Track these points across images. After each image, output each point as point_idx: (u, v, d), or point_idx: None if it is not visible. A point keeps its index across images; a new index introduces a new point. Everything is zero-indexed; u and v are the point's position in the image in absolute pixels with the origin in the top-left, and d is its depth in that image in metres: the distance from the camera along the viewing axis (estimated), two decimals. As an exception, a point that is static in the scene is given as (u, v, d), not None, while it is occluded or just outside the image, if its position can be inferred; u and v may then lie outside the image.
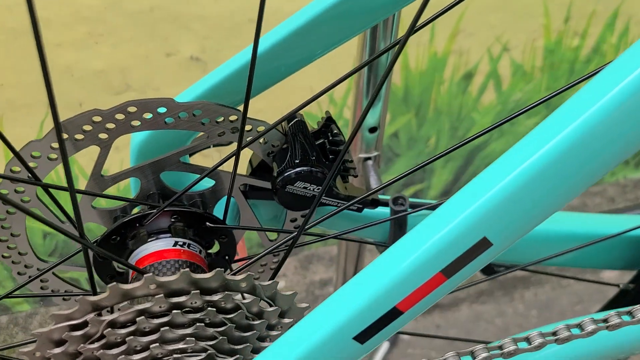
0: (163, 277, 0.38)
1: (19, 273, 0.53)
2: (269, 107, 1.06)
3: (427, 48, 1.14)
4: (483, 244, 0.29)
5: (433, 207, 0.58)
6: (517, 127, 1.36)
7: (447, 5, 0.38)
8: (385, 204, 0.58)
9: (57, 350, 0.39)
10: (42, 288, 0.56)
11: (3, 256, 0.51)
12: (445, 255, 0.29)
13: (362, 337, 0.31)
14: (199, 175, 0.51)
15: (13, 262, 0.52)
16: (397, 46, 0.36)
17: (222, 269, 0.39)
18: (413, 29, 0.35)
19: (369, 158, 0.67)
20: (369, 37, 0.58)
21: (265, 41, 0.48)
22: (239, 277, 0.40)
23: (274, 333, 0.44)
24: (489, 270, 0.65)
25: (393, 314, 0.30)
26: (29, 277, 0.54)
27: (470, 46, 1.18)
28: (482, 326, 1.46)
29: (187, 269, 0.38)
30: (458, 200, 0.30)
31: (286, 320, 0.44)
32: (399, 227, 0.57)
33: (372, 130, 0.65)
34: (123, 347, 0.38)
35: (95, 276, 0.49)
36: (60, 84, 1.00)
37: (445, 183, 1.40)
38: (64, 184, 0.37)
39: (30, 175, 0.41)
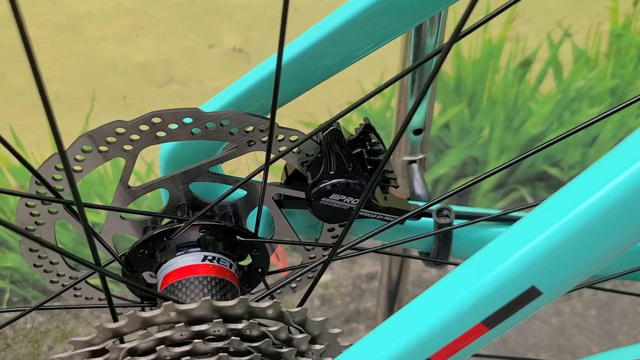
0: (183, 305, 0.36)
1: (51, 281, 0.53)
2: (312, 99, 1.03)
3: (481, 35, 1.08)
4: (531, 293, 0.25)
5: (479, 217, 0.54)
6: (579, 117, 1.28)
7: (498, 8, 0.33)
8: (428, 214, 0.54)
9: (78, 375, 0.38)
10: (75, 295, 0.55)
11: (35, 265, 0.51)
12: (488, 305, 0.26)
13: (393, 388, 0.28)
14: (229, 185, 0.49)
15: (45, 271, 0.51)
16: (442, 51, 0.32)
17: (246, 297, 0.37)
18: (457, 35, 0.31)
19: (414, 161, 0.63)
20: (413, 34, 0.54)
21: (300, 42, 0.44)
22: (265, 304, 0.37)
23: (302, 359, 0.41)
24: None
25: (427, 367, 0.27)
26: (62, 285, 0.53)
27: (527, 32, 1.11)
28: (536, 325, 1.40)
29: (209, 297, 0.36)
30: (506, 242, 0.26)
31: (317, 347, 0.41)
32: (444, 240, 0.53)
33: (417, 132, 0.61)
34: (143, 377, 0.37)
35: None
36: (103, 78, 0.99)
37: (499, 176, 1.34)
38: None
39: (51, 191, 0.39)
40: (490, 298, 0.26)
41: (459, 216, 0.53)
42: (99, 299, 0.56)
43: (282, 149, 0.46)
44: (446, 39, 0.63)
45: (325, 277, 1.41)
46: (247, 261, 0.51)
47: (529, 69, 1.17)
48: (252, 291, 0.54)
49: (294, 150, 0.47)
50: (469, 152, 1.27)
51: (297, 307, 0.41)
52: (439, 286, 0.28)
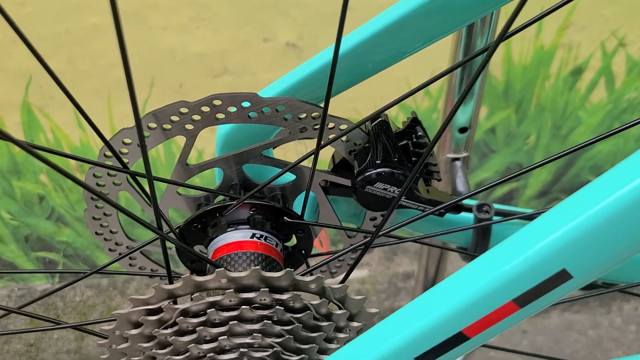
0: (234, 273, 0.39)
1: (110, 249, 0.57)
2: (361, 96, 1.05)
3: (533, 41, 1.08)
4: (562, 276, 0.27)
5: (519, 216, 0.55)
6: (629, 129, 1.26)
7: (549, 8, 0.35)
8: (469, 209, 0.55)
9: (134, 331, 0.41)
10: (130, 265, 0.59)
11: (97, 233, 0.55)
12: (519, 284, 0.27)
13: (424, 357, 0.30)
14: (280, 169, 0.52)
15: (105, 239, 0.55)
16: (489, 49, 0.34)
17: (292, 269, 0.39)
18: (505, 34, 0.33)
19: (457, 159, 0.64)
20: (464, 34, 0.55)
21: (354, 37, 0.47)
22: (308, 279, 0.40)
23: (341, 335, 0.43)
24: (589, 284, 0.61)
25: (459, 339, 0.29)
26: (119, 253, 0.57)
27: (581, 40, 1.10)
28: (572, 337, 1.38)
29: (258, 267, 0.39)
30: (540, 225, 0.28)
31: (354, 324, 0.43)
32: (482, 235, 0.54)
33: (463, 130, 0.62)
34: (194, 336, 0.40)
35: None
36: (162, 66, 1.04)
37: (544, 184, 1.33)
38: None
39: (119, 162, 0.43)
40: (523, 278, 0.27)
41: (498, 213, 0.55)
42: (151, 270, 0.60)
43: (332, 136, 0.49)
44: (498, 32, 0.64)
45: (362, 273, 1.43)
46: (292, 242, 0.54)
47: (580, 78, 1.16)
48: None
49: (343, 138, 0.50)
50: (513, 158, 1.27)
51: (343, 281, 0.43)
52: (475, 264, 0.30)
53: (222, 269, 0.38)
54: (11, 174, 1.17)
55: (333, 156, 0.54)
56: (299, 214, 0.53)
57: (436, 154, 0.68)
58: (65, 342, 1.37)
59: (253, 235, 0.49)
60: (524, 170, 0.42)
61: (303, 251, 0.54)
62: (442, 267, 0.85)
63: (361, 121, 0.43)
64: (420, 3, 0.44)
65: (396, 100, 0.42)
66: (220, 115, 0.46)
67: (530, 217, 0.54)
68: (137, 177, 0.45)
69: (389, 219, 0.44)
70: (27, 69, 1.02)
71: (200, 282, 0.39)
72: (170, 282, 0.41)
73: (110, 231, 0.55)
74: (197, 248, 0.54)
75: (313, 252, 0.56)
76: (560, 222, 0.27)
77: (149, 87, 1.07)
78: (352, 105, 1.12)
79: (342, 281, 0.44)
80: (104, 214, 0.53)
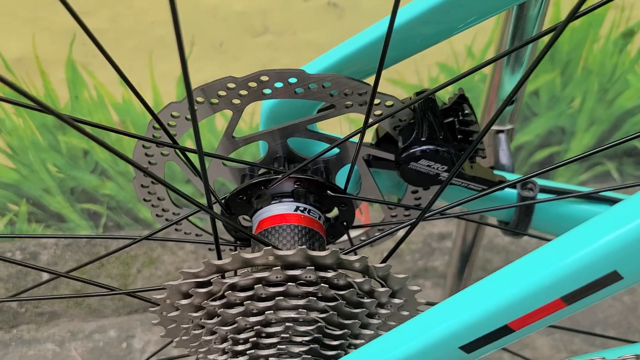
0: (281, 251, 0.40)
1: (157, 215, 0.58)
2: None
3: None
4: (612, 277, 0.27)
5: (564, 193, 0.54)
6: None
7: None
8: (512, 185, 0.55)
9: (184, 301, 0.43)
10: (176, 229, 0.61)
11: (144, 199, 0.56)
12: (569, 283, 0.28)
13: (469, 347, 0.30)
14: (323, 142, 0.52)
15: (152, 205, 0.57)
16: (554, 32, 0.33)
17: (338, 250, 0.40)
18: (575, 14, 0.32)
19: (502, 131, 0.63)
20: (515, 11, 0.54)
21: (404, 12, 0.46)
22: (353, 258, 0.41)
23: (383, 311, 0.44)
24: None
25: (504, 331, 0.30)
26: (166, 219, 0.59)
27: (634, 0, 1.05)
28: (607, 301, 1.38)
29: (304, 247, 0.39)
30: (594, 226, 0.28)
31: (396, 301, 0.44)
32: (525, 212, 0.54)
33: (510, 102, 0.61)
34: (241, 309, 0.41)
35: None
36: (204, 23, 1.04)
37: (586, 148, 1.30)
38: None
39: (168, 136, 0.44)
40: (573, 277, 0.27)
41: (543, 190, 0.54)
42: (196, 235, 0.62)
43: (377, 112, 0.49)
44: (548, 13, 0.62)
45: (398, 232, 1.44)
46: (334, 213, 0.55)
47: (632, 40, 1.11)
48: (336, 242, 0.58)
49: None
50: (556, 122, 1.24)
51: (381, 263, 0.44)
52: (526, 259, 0.30)
53: (270, 247, 0.39)
54: (57, 128, 1.20)
55: (377, 130, 0.54)
56: (342, 187, 0.54)
57: (480, 126, 0.67)
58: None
59: (297, 208, 0.50)
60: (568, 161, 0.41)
61: (345, 223, 0.55)
62: (480, 233, 0.85)
63: (409, 103, 0.43)
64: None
65: (448, 81, 0.41)
66: (267, 91, 0.46)
67: (575, 197, 0.53)
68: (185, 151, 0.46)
69: (436, 199, 0.44)
70: (71, 26, 1.03)
71: (248, 259, 0.40)
72: (219, 257, 0.42)
73: (158, 198, 0.56)
74: (242, 218, 0.55)
75: (354, 222, 0.57)
76: (615, 225, 0.27)
77: (190, 45, 1.07)
78: (393, 66, 1.10)
79: (385, 259, 0.45)
80: (152, 182, 0.54)
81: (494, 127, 0.64)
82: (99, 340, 1.43)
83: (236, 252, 0.40)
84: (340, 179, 0.57)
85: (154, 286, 0.47)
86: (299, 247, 0.40)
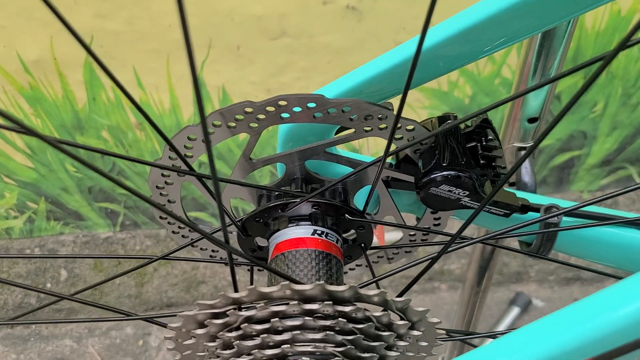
0: (299, 285, 0.39)
1: (173, 232, 0.58)
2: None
3: (610, 6, 1.00)
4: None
5: (590, 217, 0.53)
6: None
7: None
8: (536, 209, 0.53)
9: (200, 331, 0.42)
10: (192, 246, 0.61)
11: (160, 217, 0.56)
12: (604, 345, 0.26)
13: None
14: (342, 164, 0.51)
15: (169, 222, 0.57)
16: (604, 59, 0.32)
17: (356, 286, 0.39)
18: (624, 44, 0.30)
19: (524, 148, 0.62)
20: (539, 37, 0.52)
21: (431, 35, 0.45)
22: (372, 292, 0.40)
23: (401, 343, 0.44)
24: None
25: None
26: (182, 236, 0.58)
27: (663, 4, 1.02)
28: None
29: (322, 282, 0.39)
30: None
31: (415, 333, 0.43)
32: (547, 237, 0.53)
33: (532, 120, 0.59)
34: (257, 341, 0.41)
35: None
36: (221, 27, 1.03)
37: (608, 152, 1.28)
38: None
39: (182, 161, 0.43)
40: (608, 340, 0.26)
41: (568, 214, 0.53)
42: (212, 250, 0.61)
43: (398, 136, 0.47)
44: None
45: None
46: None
47: (659, 44, 1.08)
48: (353, 264, 0.58)
49: (409, 138, 0.48)
50: (578, 126, 1.22)
51: (401, 294, 0.43)
52: (563, 314, 0.29)
53: (288, 282, 0.39)
54: (75, 129, 1.20)
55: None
56: (360, 208, 0.53)
57: (502, 141, 0.65)
58: (127, 287, 1.44)
59: (314, 232, 0.49)
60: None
61: (363, 245, 0.54)
62: (498, 251, 0.84)
63: (433, 132, 0.42)
64: (508, 5, 0.41)
65: (473, 114, 0.40)
66: (285, 115, 0.45)
67: (602, 222, 0.52)
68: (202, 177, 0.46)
69: (464, 229, 0.43)
70: (89, 29, 1.03)
71: (265, 293, 0.39)
72: (236, 289, 0.42)
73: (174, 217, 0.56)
74: (258, 239, 0.54)
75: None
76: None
77: (207, 48, 1.06)
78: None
79: (404, 291, 0.44)
80: (168, 201, 0.54)
81: (516, 144, 0.63)
82: (115, 338, 1.44)
83: (253, 286, 0.39)
84: (358, 200, 0.56)
85: (167, 313, 0.46)
86: (317, 282, 0.39)
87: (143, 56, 1.07)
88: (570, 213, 0.53)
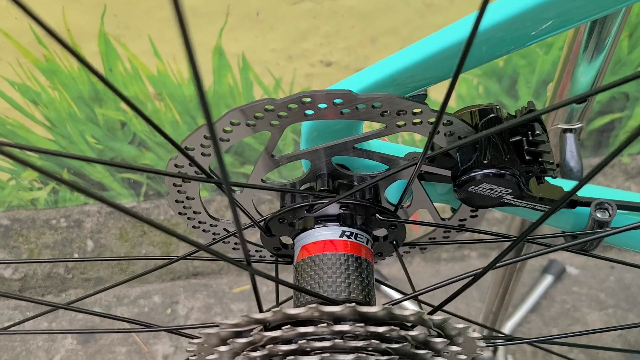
0: (327, 307, 0.36)
1: (193, 227, 0.55)
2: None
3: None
4: None
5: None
6: None
7: None
8: (586, 203, 0.49)
9: (223, 348, 0.40)
10: (213, 239, 0.58)
11: (179, 213, 0.53)
12: None
13: None
14: (373, 160, 0.47)
15: (188, 218, 0.54)
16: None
17: (390, 307, 0.36)
18: None
19: (570, 130, 0.57)
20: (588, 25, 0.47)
21: (467, 22, 0.40)
22: (407, 312, 0.36)
23: (438, 359, 0.41)
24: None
25: None
26: (202, 230, 0.56)
27: None
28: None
29: (353, 304, 0.35)
30: None
31: (454, 348, 0.40)
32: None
33: (580, 100, 0.54)
34: (284, 362, 0.38)
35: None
36: (239, -7, 0.97)
37: (651, 115, 1.20)
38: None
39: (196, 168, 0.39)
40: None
41: (621, 206, 0.48)
42: (234, 244, 0.58)
43: (435, 140, 0.43)
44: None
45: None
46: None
47: None
48: (384, 260, 0.54)
49: (446, 132, 0.44)
50: (620, 87, 1.14)
51: (437, 309, 0.40)
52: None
53: (315, 305, 0.35)
54: (93, 101, 1.17)
55: (432, 144, 0.49)
56: (391, 202, 0.49)
57: (545, 122, 0.60)
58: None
59: (343, 234, 0.46)
60: None
61: (394, 242, 0.51)
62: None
63: (478, 135, 0.37)
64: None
65: (521, 119, 0.35)
66: (309, 112, 0.41)
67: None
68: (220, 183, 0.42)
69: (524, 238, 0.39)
70: (101, -2, 0.98)
71: (291, 315, 0.36)
72: (260, 310, 0.39)
73: (194, 212, 0.53)
74: (283, 238, 0.51)
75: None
76: None
77: (225, 15, 1.01)
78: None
79: (440, 306, 0.41)
80: (187, 197, 0.51)
81: (561, 126, 0.57)
82: (144, 306, 1.45)
83: (277, 308, 0.36)
84: (389, 193, 0.52)
85: (195, 325, 0.44)
86: (347, 305, 0.35)
87: (159, 25, 1.02)
88: (624, 205, 0.49)
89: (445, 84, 0.35)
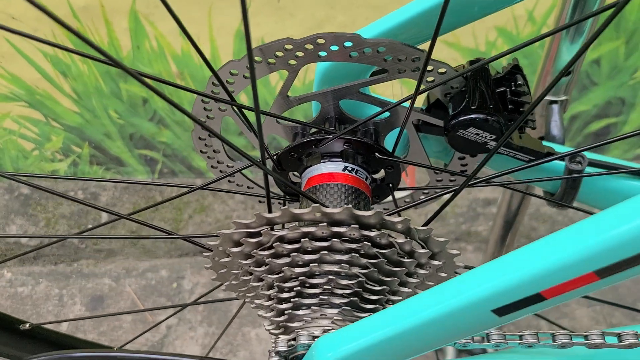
0: (328, 209, 0.42)
1: (212, 167, 0.61)
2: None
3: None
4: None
5: (614, 168, 0.54)
6: None
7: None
8: (561, 158, 0.55)
9: (236, 249, 0.46)
10: (229, 181, 0.64)
11: (201, 151, 0.59)
12: (605, 257, 0.28)
13: (501, 311, 0.32)
14: (374, 105, 0.53)
15: (208, 157, 0.60)
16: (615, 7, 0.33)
17: (382, 211, 0.42)
18: None
19: (555, 102, 0.63)
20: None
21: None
22: (396, 219, 0.42)
23: (421, 271, 0.46)
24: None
25: (536, 299, 0.31)
26: (220, 171, 0.62)
27: None
28: (654, 278, 1.36)
29: (350, 206, 0.42)
30: (634, 204, 0.29)
31: (435, 262, 0.46)
32: (571, 185, 0.55)
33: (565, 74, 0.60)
34: (288, 260, 0.44)
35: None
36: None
37: (646, 120, 1.26)
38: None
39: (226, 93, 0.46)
40: (611, 251, 0.28)
41: (592, 164, 0.54)
42: (247, 187, 0.65)
43: (430, 79, 0.49)
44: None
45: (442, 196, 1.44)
46: (380, 174, 0.56)
47: None
48: (381, 202, 0.60)
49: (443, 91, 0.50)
50: (616, 92, 1.21)
51: (423, 226, 0.46)
52: (565, 231, 0.31)
53: (318, 204, 0.42)
54: (119, 76, 1.25)
55: (428, 96, 0.55)
56: (390, 150, 0.55)
57: (533, 95, 0.66)
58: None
59: (345, 168, 0.52)
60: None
61: (390, 185, 0.57)
62: (525, 202, 0.85)
63: (462, 72, 0.44)
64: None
65: (502, 53, 0.42)
66: (323, 53, 0.48)
67: (626, 172, 0.53)
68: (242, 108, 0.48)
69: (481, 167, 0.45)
70: (135, -24, 1.06)
71: (296, 214, 0.42)
72: (270, 210, 0.45)
73: (214, 151, 0.59)
74: (292, 174, 0.57)
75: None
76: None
77: (248, 0, 1.08)
78: (450, 28, 1.09)
79: (427, 222, 0.47)
80: (209, 135, 0.57)
81: (548, 97, 0.64)
82: (151, 279, 1.51)
83: (286, 207, 0.42)
84: (389, 142, 0.58)
85: (206, 233, 0.50)
86: (345, 206, 0.42)
87: (186, 6, 1.09)
88: (594, 163, 0.55)
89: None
